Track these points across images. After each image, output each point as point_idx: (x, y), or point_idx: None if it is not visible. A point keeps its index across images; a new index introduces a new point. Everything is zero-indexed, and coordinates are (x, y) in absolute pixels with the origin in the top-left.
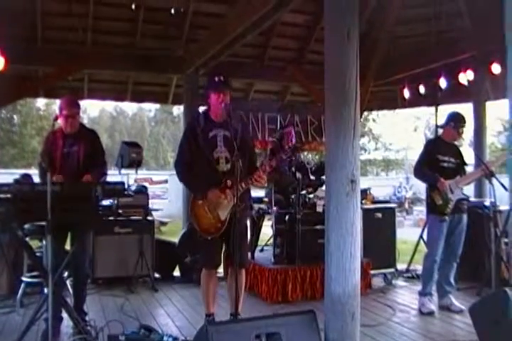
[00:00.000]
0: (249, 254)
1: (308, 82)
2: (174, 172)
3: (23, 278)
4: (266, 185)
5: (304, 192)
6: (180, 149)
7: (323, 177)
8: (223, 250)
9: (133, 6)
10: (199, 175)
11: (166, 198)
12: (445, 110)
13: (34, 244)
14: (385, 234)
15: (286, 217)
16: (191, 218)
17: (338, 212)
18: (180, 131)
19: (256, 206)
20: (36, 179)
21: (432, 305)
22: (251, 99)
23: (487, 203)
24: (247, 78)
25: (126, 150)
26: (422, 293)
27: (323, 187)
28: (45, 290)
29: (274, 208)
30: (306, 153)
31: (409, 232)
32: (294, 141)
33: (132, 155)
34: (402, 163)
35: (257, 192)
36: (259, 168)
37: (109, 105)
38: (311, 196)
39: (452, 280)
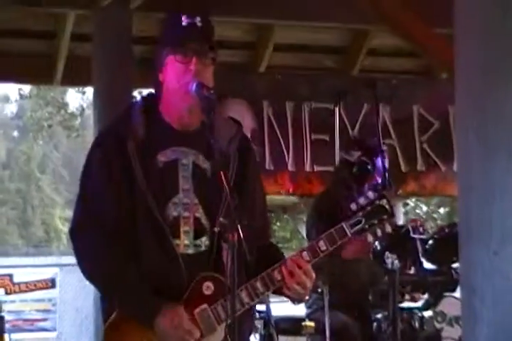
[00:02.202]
0: None
1: (412, 18)
2: (71, 261)
3: None
4: (310, 293)
5: (407, 303)
6: (84, 197)
7: (457, 264)
8: None
9: None
10: (132, 263)
11: (53, 329)
12: None
13: None
14: None
15: None
16: None
17: None
18: (86, 151)
19: (284, 340)
20: None
21: None
22: (266, 69)
23: None
24: (253, 16)
25: None
26: None
27: (458, 292)
28: None
29: None
30: (410, 203)
31: None
32: (382, 178)
33: None
34: None
35: (285, 305)
36: (293, 256)
37: None
38: (428, 314)
39: None
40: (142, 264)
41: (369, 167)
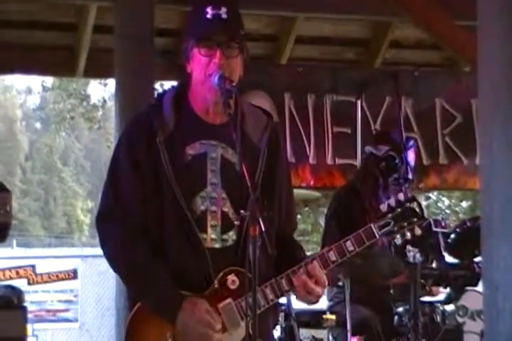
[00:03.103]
0: None
1: (435, 10)
2: (93, 252)
3: None
4: (325, 292)
5: (428, 298)
6: (111, 186)
7: (479, 258)
8: None
9: None
10: (159, 256)
11: (75, 320)
12: None
13: None
14: None
15: None
16: None
17: None
18: (108, 142)
19: (305, 334)
20: None
21: None
22: (288, 61)
23: None
24: (275, 8)
25: None
26: None
27: (480, 286)
28: None
29: (353, 340)
30: (432, 196)
31: None
32: (410, 170)
33: None
34: None
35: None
36: (315, 257)
37: None
38: (449, 308)
39: None
40: (168, 258)
41: (397, 162)
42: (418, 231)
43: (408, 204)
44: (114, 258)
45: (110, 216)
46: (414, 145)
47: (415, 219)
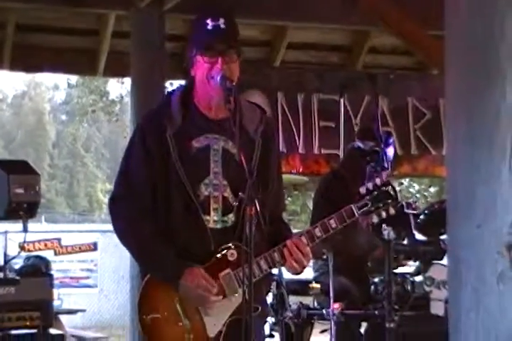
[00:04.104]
0: None
1: (407, 21)
2: (111, 228)
3: None
4: (311, 264)
5: (399, 270)
6: (124, 172)
7: (445, 236)
8: None
9: None
10: (164, 234)
11: (95, 286)
12: None
13: None
14: None
15: (363, 327)
16: (138, 325)
17: (480, 320)
18: (125, 133)
19: (294, 300)
20: None
21: None
22: (280, 64)
23: None
24: (269, 18)
25: (4, 179)
26: None
27: (445, 260)
28: None
29: (335, 305)
30: (404, 182)
31: None
32: (388, 163)
33: (15, 192)
34: None
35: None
36: (301, 235)
37: None
38: (418, 279)
39: None
40: (176, 236)
41: (380, 155)
42: (392, 211)
43: (384, 187)
44: (124, 235)
45: (122, 198)
46: (393, 142)
47: (390, 201)
